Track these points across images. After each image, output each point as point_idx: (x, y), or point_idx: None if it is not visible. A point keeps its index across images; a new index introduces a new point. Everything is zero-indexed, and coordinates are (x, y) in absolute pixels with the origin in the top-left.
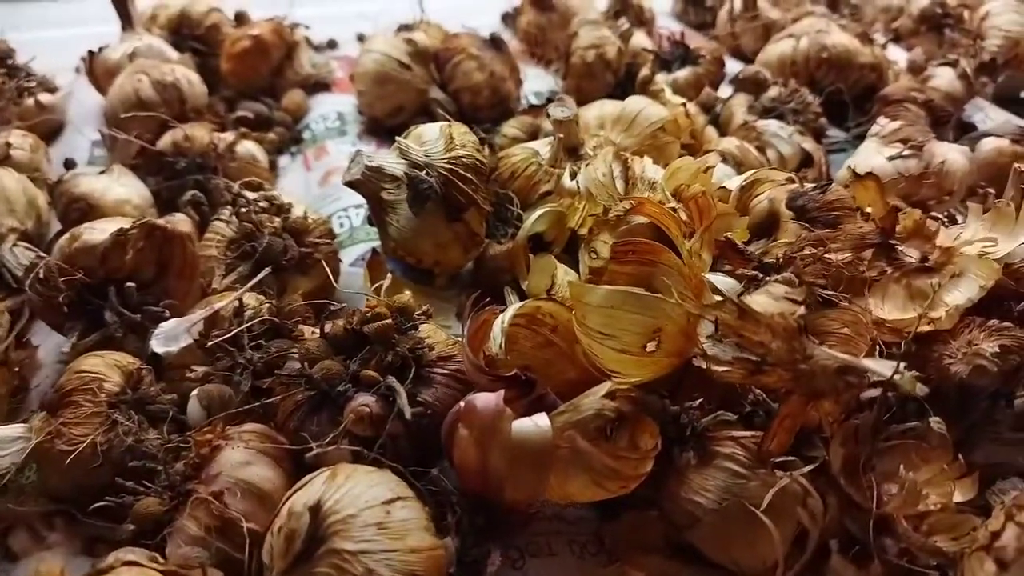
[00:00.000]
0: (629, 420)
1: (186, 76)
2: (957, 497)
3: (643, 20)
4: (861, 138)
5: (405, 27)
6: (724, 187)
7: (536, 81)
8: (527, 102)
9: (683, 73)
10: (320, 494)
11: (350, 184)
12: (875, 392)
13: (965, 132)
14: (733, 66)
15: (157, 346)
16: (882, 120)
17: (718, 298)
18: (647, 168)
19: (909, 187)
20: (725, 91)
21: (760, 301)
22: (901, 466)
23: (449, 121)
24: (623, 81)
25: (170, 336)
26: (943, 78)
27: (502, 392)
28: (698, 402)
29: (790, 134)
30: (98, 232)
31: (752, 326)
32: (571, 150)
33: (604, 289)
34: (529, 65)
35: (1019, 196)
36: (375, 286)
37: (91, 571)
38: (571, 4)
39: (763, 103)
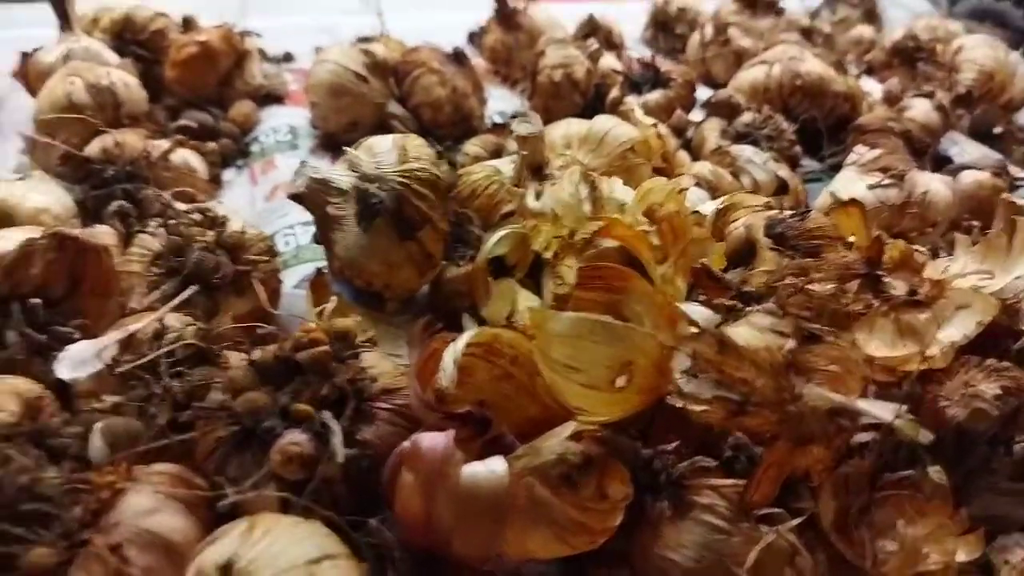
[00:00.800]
0: (596, 465)
1: (123, 80)
2: (960, 556)
3: (612, 44)
4: (836, 168)
5: (364, 39)
6: (698, 211)
7: (501, 101)
8: (491, 122)
9: (654, 95)
10: (232, 551)
11: (294, 197)
12: (866, 436)
13: (940, 165)
14: (704, 93)
15: (63, 371)
16: (860, 148)
17: (694, 329)
18: (616, 189)
19: (891, 217)
20: (697, 116)
21: (742, 333)
22: (899, 521)
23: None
24: (592, 102)
25: (79, 360)
26: (919, 109)
27: (452, 432)
28: (673, 445)
29: (765, 160)
30: (5, 241)
31: (734, 361)
32: (535, 169)
33: (569, 316)
34: (494, 85)
35: (1010, 228)
36: (317, 309)
37: None
38: (539, 24)
39: (737, 128)
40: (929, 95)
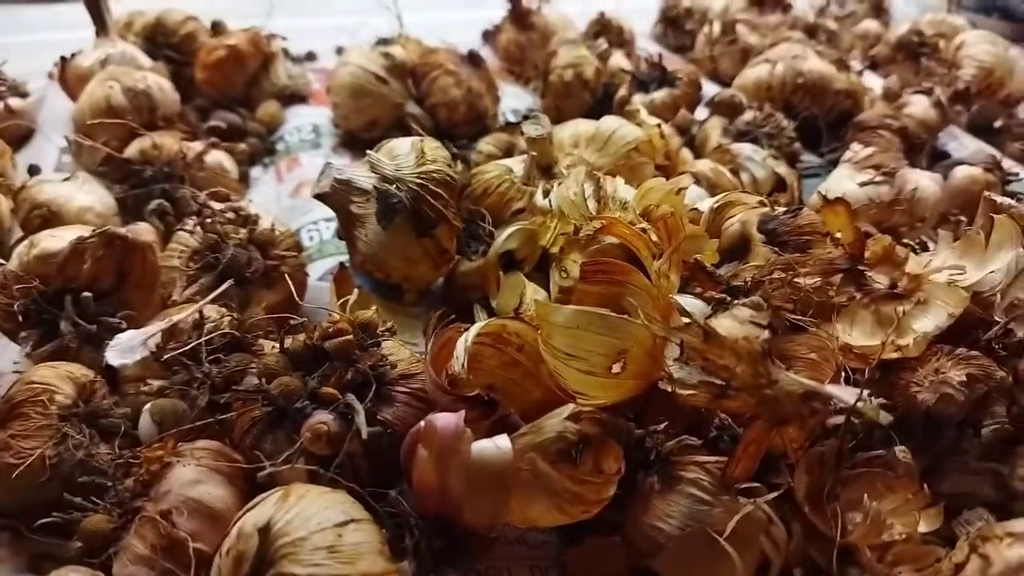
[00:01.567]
0: (593, 443)
1: (158, 84)
2: (922, 527)
3: (622, 41)
4: (835, 163)
5: (383, 41)
6: (696, 208)
7: (514, 99)
8: (505, 119)
9: (660, 94)
10: (270, 515)
11: (319, 196)
12: (840, 419)
13: (938, 160)
14: (711, 89)
15: (112, 358)
16: (855, 146)
17: (685, 320)
18: (619, 188)
19: (881, 213)
20: (702, 114)
21: (725, 324)
22: (866, 495)
23: (423, 136)
24: (601, 100)
25: (126, 348)
26: (918, 106)
27: (463, 412)
28: (663, 426)
29: (764, 158)
30: (57, 240)
31: (717, 349)
32: (545, 168)
33: (570, 309)
34: (508, 83)
35: (989, 224)
36: (341, 301)
37: None
38: (551, 23)
39: (737, 126)
40: (928, 91)
